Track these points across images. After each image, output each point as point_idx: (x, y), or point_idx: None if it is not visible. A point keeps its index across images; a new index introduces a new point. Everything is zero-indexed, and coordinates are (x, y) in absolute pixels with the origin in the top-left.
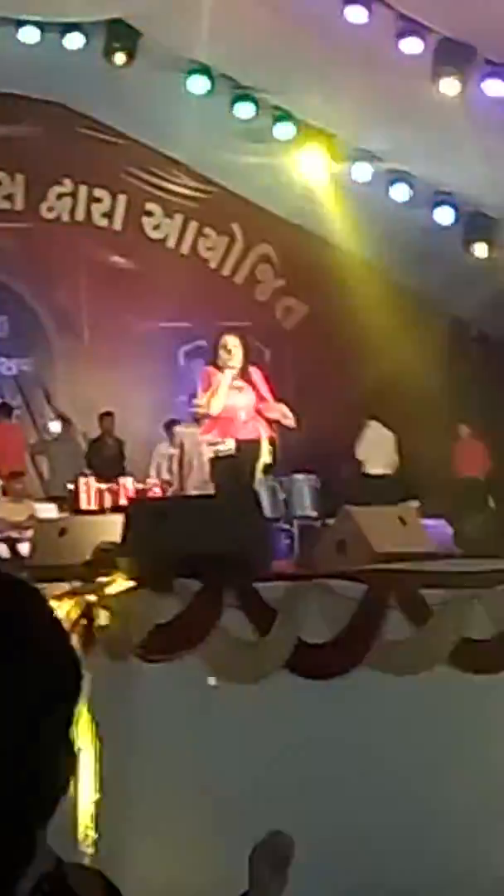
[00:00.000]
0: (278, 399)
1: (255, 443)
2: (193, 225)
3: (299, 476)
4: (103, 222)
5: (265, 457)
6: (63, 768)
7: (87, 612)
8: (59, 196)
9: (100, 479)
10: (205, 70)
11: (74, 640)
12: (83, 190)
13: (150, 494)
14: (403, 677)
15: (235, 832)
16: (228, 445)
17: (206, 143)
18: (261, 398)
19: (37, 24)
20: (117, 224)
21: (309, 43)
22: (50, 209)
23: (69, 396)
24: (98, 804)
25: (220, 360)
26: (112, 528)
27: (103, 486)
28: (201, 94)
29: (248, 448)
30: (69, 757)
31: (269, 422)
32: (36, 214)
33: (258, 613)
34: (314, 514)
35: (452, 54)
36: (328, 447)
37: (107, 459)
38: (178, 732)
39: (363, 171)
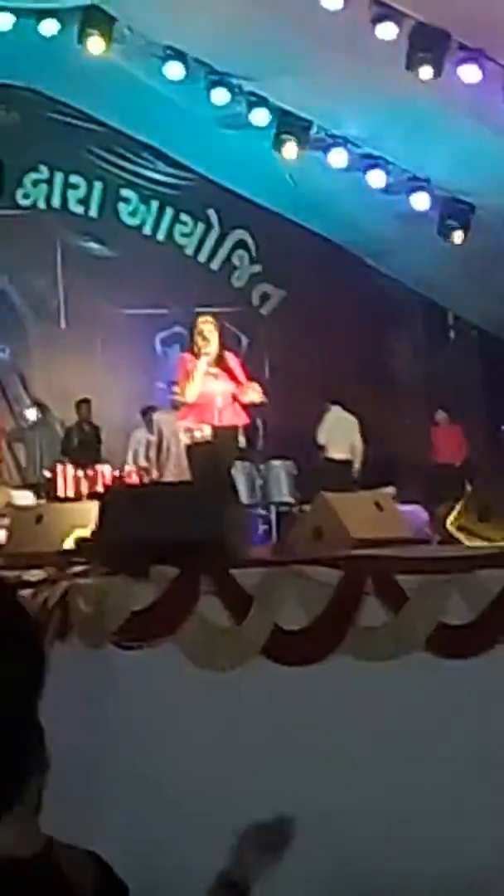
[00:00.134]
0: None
1: (232, 429)
2: (169, 211)
3: (276, 462)
4: (79, 209)
5: (241, 443)
6: (30, 741)
7: (64, 600)
8: (35, 183)
9: (77, 466)
10: (180, 56)
11: (51, 628)
12: (59, 176)
13: (128, 481)
14: (380, 663)
15: (213, 818)
16: (205, 432)
17: (182, 129)
18: (237, 384)
19: (11, 9)
20: (93, 211)
21: (285, 29)
22: (25, 196)
23: (46, 383)
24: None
25: (196, 346)
26: (88, 515)
27: (80, 473)
28: (177, 81)
29: (224, 434)
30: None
31: (246, 408)
32: (11, 201)
33: (234, 600)
34: (291, 500)
35: (427, 40)
36: (305, 433)
37: (84, 446)
38: (154, 719)
39: (339, 158)
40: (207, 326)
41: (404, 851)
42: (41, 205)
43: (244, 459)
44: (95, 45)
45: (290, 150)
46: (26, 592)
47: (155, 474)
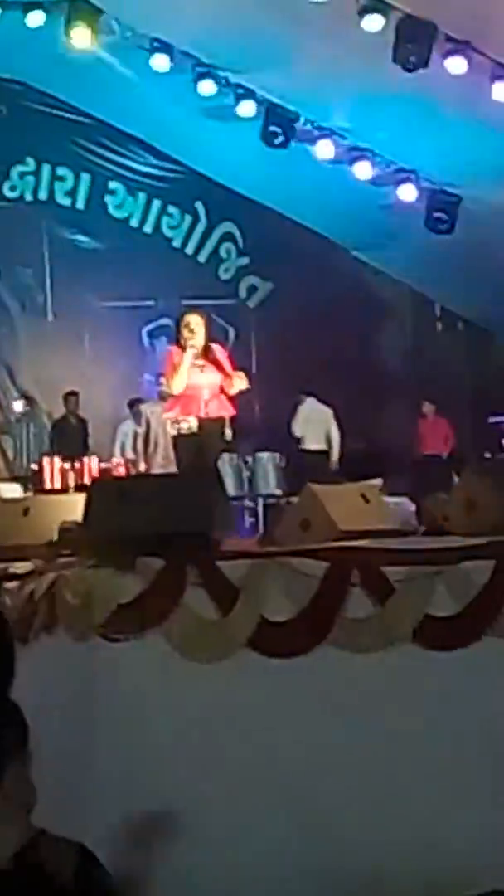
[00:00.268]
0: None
1: (218, 421)
2: (157, 203)
3: (263, 454)
4: (66, 201)
5: (227, 435)
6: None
7: (50, 592)
8: (22, 175)
9: (64, 458)
10: (167, 48)
11: (37, 620)
12: (46, 169)
13: (115, 473)
14: (366, 655)
15: (199, 810)
16: (191, 424)
17: (169, 121)
18: (225, 376)
19: None
20: (80, 203)
21: (271, 21)
22: (13, 188)
23: (33, 376)
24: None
25: (182, 339)
26: (76, 507)
27: (67, 465)
28: (164, 73)
29: (210, 426)
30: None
31: (233, 400)
32: None
33: (221, 592)
34: (278, 491)
35: (414, 31)
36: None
37: (71, 439)
38: (141, 711)
39: (326, 149)
40: (194, 319)
41: (390, 843)
42: (28, 197)
43: (231, 452)
44: (82, 36)
45: (276, 141)
46: (13, 585)
47: (142, 466)
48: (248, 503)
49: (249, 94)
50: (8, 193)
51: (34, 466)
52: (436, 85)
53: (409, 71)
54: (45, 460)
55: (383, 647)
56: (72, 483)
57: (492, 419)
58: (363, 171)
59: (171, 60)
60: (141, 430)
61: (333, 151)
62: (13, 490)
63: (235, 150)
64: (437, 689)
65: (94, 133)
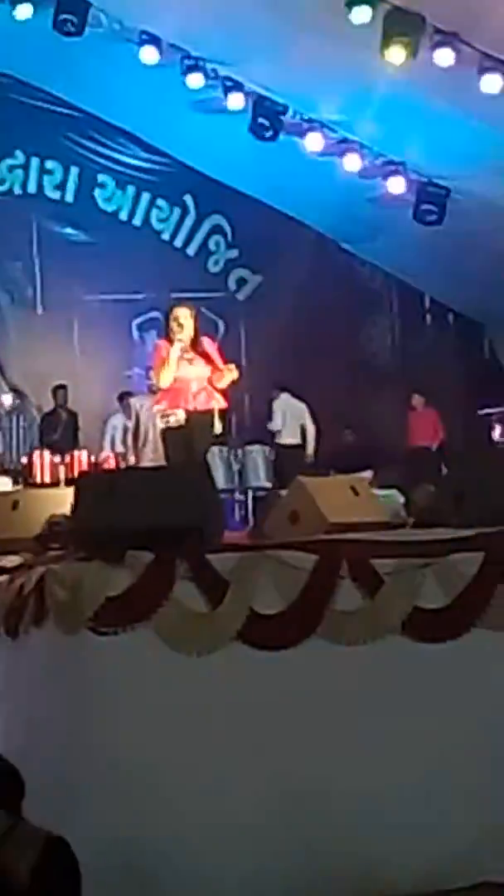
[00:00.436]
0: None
1: (207, 413)
2: (146, 196)
3: (253, 447)
4: (55, 194)
5: (216, 427)
6: None
7: (40, 586)
8: (11, 168)
9: (54, 452)
10: (155, 41)
11: (27, 613)
12: (35, 162)
13: (105, 467)
14: (355, 647)
15: (189, 798)
16: (179, 417)
17: (158, 114)
18: (215, 369)
19: None
20: (69, 196)
21: (260, 13)
22: (1, 181)
23: (22, 369)
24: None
25: (171, 332)
26: (65, 501)
27: (57, 459)
28: (152, 65)
29: (198, 419)
30: None
31: (223, 393)
32: None
33: (210, 585)
34: (268, 484)
35: (402, 23)
36: None
37: (61, 432)
38: (130, 703)
39: (315, 142)
40: (182, 312)
41: (380, 833)
42: (17, 190)
43: (221, 444)
44: (70, 29)
45: (266, 134)
46: (2, 578)
47: (132, 460)
48: (238, 496)
49: (238, 86)
50: None
51: (24, 460)
52: (424, 77)
53: (396, 63)
54: (35, 454)
55: (373, 639)
56: (62, 477)
57: (481, 411)
58: (352, 163)
59: (160, 53)
60: (130, 424)
61: (322, 144)
62: (3, 484)
63: (224, 143)
64: (426, 681)
65: (83, 126)
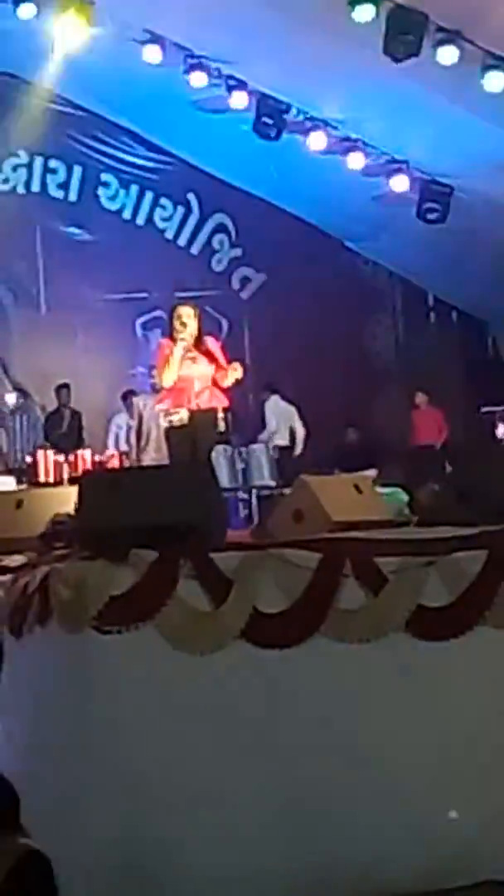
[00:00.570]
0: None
1: (210, 412)
2: (149, 195)
3: (257, 446)
4: (59, 193)
5: (220, 426)
6: None
7: (43, 585)
8: (15, 167)
9: (58, 451)
10: (158, 40)
11: (31, 613)
12: (38, 161)
13: (109, 466)
14: (359, 645)
15: (193, 799)
16: (182, 415)
17: (161, 113)
18: (219, 368)
19: None
20: (73, 195)
21: (262, 11)
22: (5, 181)
23: (26, 368)
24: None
25: (174, 331)
26: (69, 500)
27: (61, 458)
28: (155, 64)
29: (202, 418)
30: None
31: (226, 391)
32: None
33: (214, 583)
34: (272, 483)
35: (405, 21)
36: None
37: (64, 431)
38: (134, 703)
39: (318, 140)
40: (185, 311)
41: (383, 832)
42: (20, 190)
43: (224, 443)
44: (73, 28)
45: (268, 132)
46: (6, 578)
47: (135, 459)
48: (241, 495)
49: (241, 85)
50: (0, 186)
51: (28, 459)
52: (427, 75)
53: (399, 61)
54: (39, 453)
55: (376, 638)
56: (66, 476)
57: (485, 409)
58: (355, 161)
59: (163, 52)
60: (133, 423)
61: (325, 142)
62: (7, 483)
63: (227, 142)
64: (429, 679)
65: (86, 125)
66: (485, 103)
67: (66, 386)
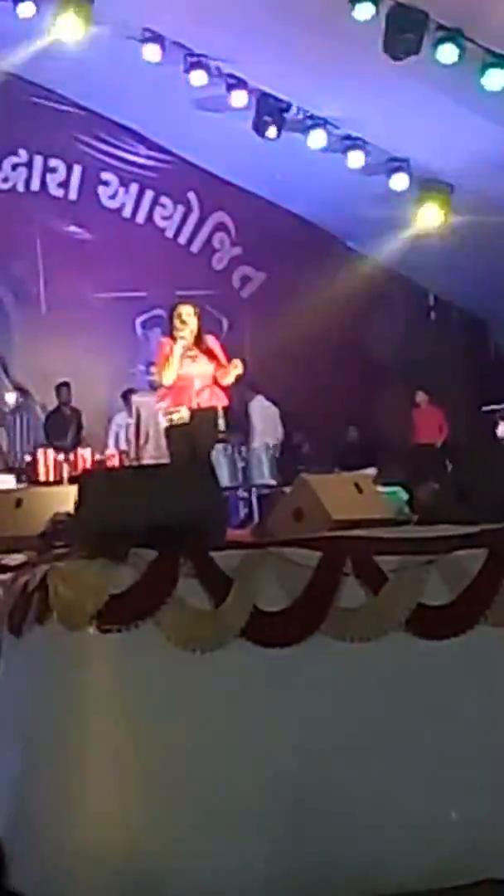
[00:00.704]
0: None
1: (210, 411)
2: (149, 194)
3: (257, 444)
4: (59, 192)
5: (220, 425)
6: None
7: (43, 584)
8: (14, 166)
9: (58, 450)
10: (158, 38)
11: (31, 612)
12: (38, 160)
13: (109, 465)
14: (359, 644)
15: (193, 798)
16: (182, 414)
17: (161, 111)
18: (219, 366)
19: None
20: (73, 194)
21: (262, 10)
22: (5, 179)
23: (26, 367)
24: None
25: (174, 330)
26: (69, 498)
27: (61, 457)
28: (155, 63)
29: (202, 416)
30: None
31: (226, 390)
32: None
33: (214, 582)
34: (273, 481)
35: (405, 20)
36: (284, 416)
37: (65, 430)
38: (134, 702)
39: (318, 139)
40: (185, 309)
41: (384, 831)
42: (20, 188)
43: (225, 442)
44: (73, 27)
45: (269, 130)
46: (6, 577)
47: (135, 457)
48: (242, 493)
49: (241, 83)
50: (0, 185)
51: (28, 458)
52: (427, 73)
53: (399, 60)
54: (40, 452)
55: (376, 637)
56: (66, 475)
57: (486, 408)
58: (355, 160)
59: (163, 50)
60: (132, 421)
61: (326, 141)
62: (6, 482)
63: (227, 140)
64: (430, 678)
65: (86, 124)
66: (485, 101)
67: (66, 385)
